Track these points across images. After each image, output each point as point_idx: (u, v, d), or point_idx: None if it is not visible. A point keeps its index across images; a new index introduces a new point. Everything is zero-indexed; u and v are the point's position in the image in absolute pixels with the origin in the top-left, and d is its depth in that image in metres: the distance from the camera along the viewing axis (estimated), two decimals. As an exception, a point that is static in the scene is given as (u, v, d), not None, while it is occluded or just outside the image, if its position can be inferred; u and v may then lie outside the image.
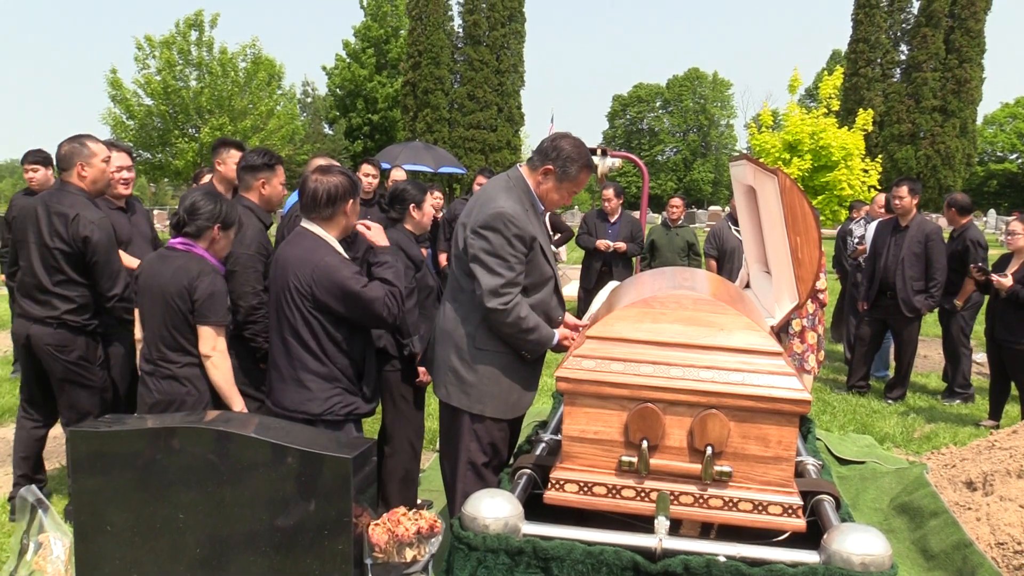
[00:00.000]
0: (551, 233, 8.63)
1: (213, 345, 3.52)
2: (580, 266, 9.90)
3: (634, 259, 9.44)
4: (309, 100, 52.67)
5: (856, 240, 9.40)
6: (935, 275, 7.50)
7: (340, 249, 3.44)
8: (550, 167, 3.37)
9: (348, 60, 46.83)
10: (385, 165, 13.71)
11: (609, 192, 9.32)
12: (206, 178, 6.22)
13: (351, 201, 3.46)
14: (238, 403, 3.61)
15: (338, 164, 4.52)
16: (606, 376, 2.69)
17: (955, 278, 7.59)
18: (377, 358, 4.17)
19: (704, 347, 2.70)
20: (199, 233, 3.58)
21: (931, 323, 10.03)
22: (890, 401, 7.77)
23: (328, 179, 3.42)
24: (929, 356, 10.04)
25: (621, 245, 9.04)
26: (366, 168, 7.46)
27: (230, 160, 5.56)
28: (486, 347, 3.35)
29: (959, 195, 7.99)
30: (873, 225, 8.67)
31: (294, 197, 4.16)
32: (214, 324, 3.51)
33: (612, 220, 9.29)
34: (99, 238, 4.18)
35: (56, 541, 2.98)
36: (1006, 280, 6.54)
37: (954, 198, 7.90)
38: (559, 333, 3.41)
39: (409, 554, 2.66)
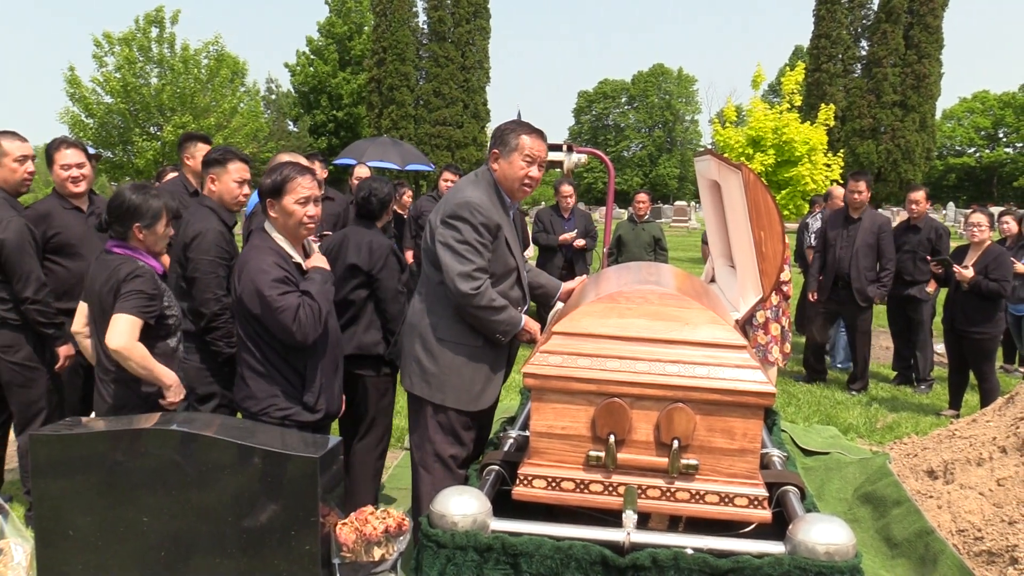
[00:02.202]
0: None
1: (123, 331, 3.25)
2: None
3: (595, 254, 9.45)
4: (273, 97, 52.19)
5: (812, 234, 9.54)
6: (887, 265, 7.73)
7: (289, 250, 3.32)
8: (495, 150, 3.46)
9: (312, 57, 46.47)
10: (351, 161, 13.63)
11: (567, 188, 9.33)
12: (169, 176, 6.12)
13: (266, 199, 3.32)
14: (167, 378, 3.38)
15: (298, 159, 4.43)
16: (573, 371, 2.69)
17: (925, 267, 7.72)
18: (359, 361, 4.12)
19: (670, 342, 2.72)
20: (124, 234, 3.41)
21: (880, 312, 10.17)
22: (853, 392, 7.89)
23: (267, 176, 3.34)
24: (890, 347, 10.17)
25: (581, 241, 9.06)
26: (446, 175, 7.55)
27: (199, 154, 5.47)
28: (448, 337, 3.39)
29: (918, 185, 8.23)
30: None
31: (256, 196, 4.06)
32: (127, 311, 3.25)
33: (567, 216, 9.30)
34: (6, 238, 4.09)
35: (17, 547, 2.92)
36: (967, 272, 6.65)
37: (922, 187, 8.11)
38: (525, 319, 3.44)
39: (377, 553, 2.65)
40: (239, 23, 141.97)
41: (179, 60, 28.31)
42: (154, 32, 28.21)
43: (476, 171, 3.57)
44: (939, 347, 9.30)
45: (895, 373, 8.50)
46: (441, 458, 3.41)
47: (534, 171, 3.44)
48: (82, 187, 4.58)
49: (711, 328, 2.75)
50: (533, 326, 3.46)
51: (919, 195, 7.97)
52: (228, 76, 29.87)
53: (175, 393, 3.40)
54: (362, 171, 8.28)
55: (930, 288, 7.78)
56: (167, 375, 3.39)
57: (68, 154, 4.51)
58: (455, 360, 3.39)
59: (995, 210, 14.23)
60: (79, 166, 4.55)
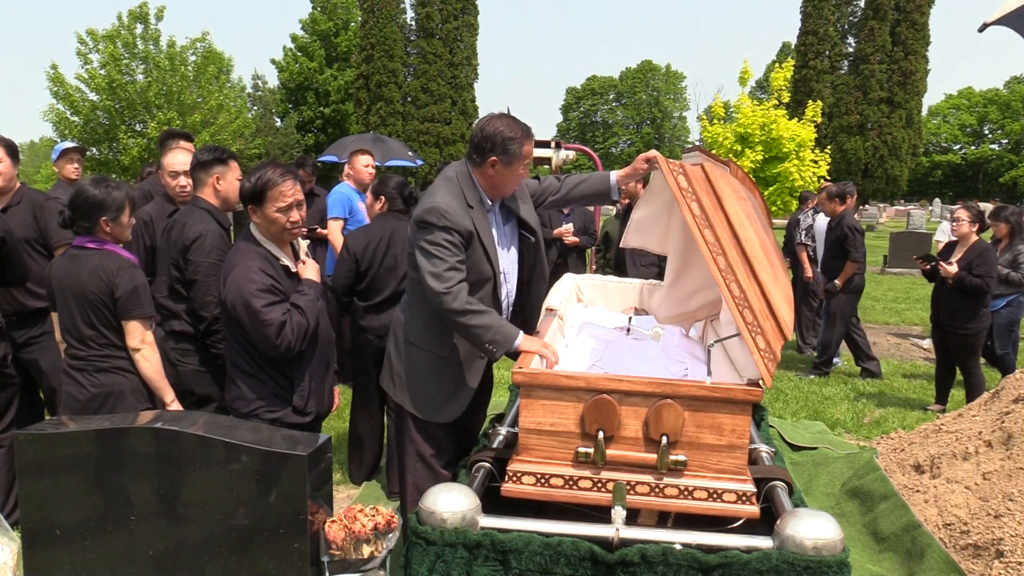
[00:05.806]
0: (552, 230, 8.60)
1: (141, 338, 3.48)
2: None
3: (588, 252, 9.46)
4: (259, 94, 51.98)
5: (803, 230, 9.59)
6: None
7: (276, 253, 3.29)
8: (494, 158, 3.23)
9: (297, 53, 46.30)
10: (333, 158, 13.56)
11: None
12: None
13: (247, 204, 3.27)
14: (169, 394, 3.60)
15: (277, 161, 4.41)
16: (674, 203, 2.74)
17: (835, 264, 8.21)
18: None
19: (753, 274, 2.73)
20: (91, 229, 3.49)
21: (881, 310, 10.20)
22: None
23: (246, 179, 3.27)
24: (878, 343, 10.23)
25: (575, 238, 9.06)
26: (364, 159, 7.42)
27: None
28: (415, 341, 3.32)
29: (831, 185, 8.64)
30: (820, 215, 8.96)
31: None
32: (139, 318, 3.47)
33: (566, 212, 9.29)
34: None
35: (3, 547, 2.91)
36: (951, 268, 6.71)
37: (829, 189, 8.50)
38: (524, 337, 3.05)
39: (366, 550, 2.64)
40: (225, 18, 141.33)
41: (165, 57, 28.16)
42: (139, 29, 28.06)
43: (455, 170, 3.36)
44: (926, 342, 9.36)
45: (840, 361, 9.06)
46: (423, 458, 3.38)
47: (526, 171, 3.38)
48: None
49: (783, 302, 2.75)
50: (537, 346, 3.01)
51: (821, 195, 8.59)
52: (214, 72, 29.73)
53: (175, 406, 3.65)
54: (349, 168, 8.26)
55: (838, 281, 8.12)
56: (169, 392, 3.62)
57: None
58: (418, 366, 3.31)
59: (984, 206, 14.30)
60: None
